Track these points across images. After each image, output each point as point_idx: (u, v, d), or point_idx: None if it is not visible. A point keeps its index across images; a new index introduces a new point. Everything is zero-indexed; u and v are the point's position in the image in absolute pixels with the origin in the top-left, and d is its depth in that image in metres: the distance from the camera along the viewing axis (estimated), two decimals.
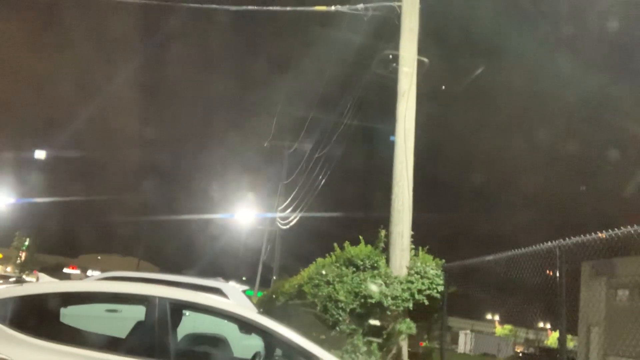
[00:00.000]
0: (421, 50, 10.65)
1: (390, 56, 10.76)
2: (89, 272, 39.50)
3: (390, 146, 10.28)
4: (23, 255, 61.18)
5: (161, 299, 3.84)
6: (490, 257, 7.90)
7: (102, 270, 10.59)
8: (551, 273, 6.14)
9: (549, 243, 6.19)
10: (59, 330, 4.20)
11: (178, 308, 4.03)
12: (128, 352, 3.61)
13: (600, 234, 5.55)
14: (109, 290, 4.39)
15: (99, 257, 69.80)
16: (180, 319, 4.26)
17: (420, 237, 9.99)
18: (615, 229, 5.38)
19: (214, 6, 11.58)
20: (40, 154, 27.05)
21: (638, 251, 5.61)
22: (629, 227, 5.24)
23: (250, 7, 11.66)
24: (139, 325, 3.86)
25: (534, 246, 6.64)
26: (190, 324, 5.89)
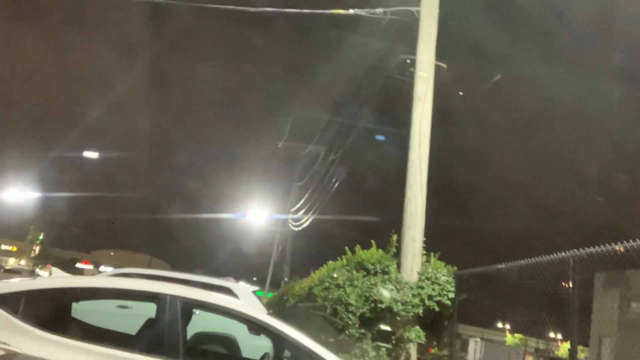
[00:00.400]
0: (439, 56, 10.62)
1: (408, 60, 10.75)
2: (102, 268, 39.79)
3: (405, 150, 10.25)
4: (37, 249, 61.86)
5: (172, 297, 3.86)
6: (502, 266, 7.84)
7: (115, 266, 10.67)
8: (565, 284, 6.07)
9: (563, 253, 6.13)
10: (69, 324, 4.24)
11: (189, 307, 4.04)
12: (138, 349, 3.63)
13: (616, 246, 5.49)
14: (121, 287, 4.42)
15: (112, 253, 70.34)
16: (190, 318, 4.29)
17: (432, 243, 9.96)
18: (631, 240, 5.31)
19: (232, 7, 11.62)
20: (91, 154, 27.08)
21: None
22: None
23: (268, 9, 11.70)
24: (149, 322, 3.89)
25: (546, 255, 6.58)
26: (200, 322, 5.92)
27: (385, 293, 8.89)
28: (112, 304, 6.59)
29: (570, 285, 5.86)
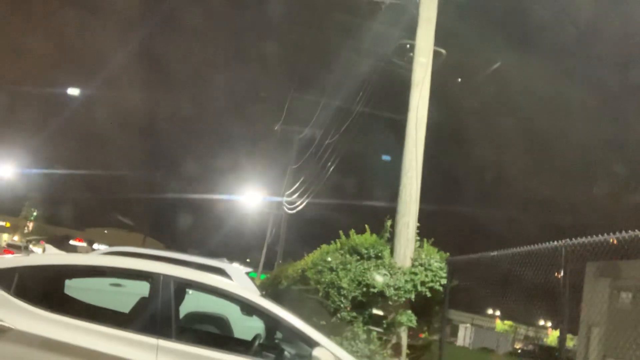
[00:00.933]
0: (438, 41, 10.57)
1: (408, 45, 10.69)
2: (95, 245, 39.82)
3: (402, 136, 10.24)
4: (31, 225, 61.74)
5: (166, 276, 3.87)
6: (494, 253, 7.89)
7: (109, 244, 10.68)
8: (557, 273, 6.12)
9: (555, 242, 6.17)
10: (62, 301, 4.25)
11: (182, 286, 4.06)
12: (131, 328, 3.64)
13: (609, 237, 5.52)
14: (115, 265, 4.43)
15: (106, 231, 70.27)
16: (183, 297, 4.30)
17: (426, 230, 10.00)
18: (623, 231, 5.34)
19: None
20: (73, 91, 26.59)
21: None
22: (636, 230, 5.20)
23: None
24: (142, 301, 3.90)
25: (539, 244, 6.62)
26: (194, 302, 5.95)
27: (379, 278, 8.94)
28: (105, 281, 6.61)
29: (561, 274, 5.90)
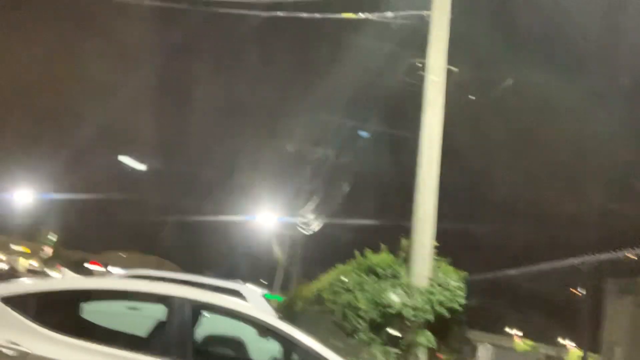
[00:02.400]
0: (450, 59, 10.57)
1: (419, 64, 10.70)
2: (109, 268, 40.00)
3: (416, 155, 10.21)
4: (50, 250, 62.22)
5: (182, 299, 3.87)
6: (512, 271, 7.80)
7: (124, 267, 10.72)
8: (576, 291, 6.02)
9: (574, 259, 6.08)
10: (79, 325, 4.26)
11: (198, 309, 4.05)
12: (148, 351, 3.63)
13: (628, 253, 5.44)
14: (131, 289, 4.43)
15: (124, 255, 70.62)
16: (199, 320, 4.29)
17: (444, 249, 9.90)
18: None
19: (240, 11, 11.67)
20: (138, 165, 26.94)
21: None
22: None
23: (276, 13, 11.73)
24: (159, 324, 3.89)
25: (557, 261, 6.53)
26: (210, 325, 5.93)
27: (396, 298, 8.86)
28: (122, 305, 6.62)
29: (582, 292, 5.81)
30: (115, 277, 7.57)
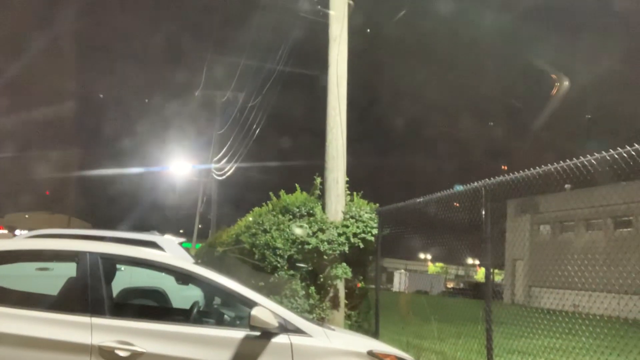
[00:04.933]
0: None
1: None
2: (17, 232, 37.97)
3: (324, 93, 10.25)
4: None
5: (92, 253, 3.76)
6: (420, 199, 8.16)
7: (31, 229, 10.20)
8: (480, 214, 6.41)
9: (475, 183, 6.45)
10: None
11: (110, 262, 3.96)
12: (60, 309, 3.54)
13: (524, 174, 5.81)
14: (37, 248, 4.26)
15: (27, 216, 67.01)
16: (114, 274, 4.20)
17: (356, 182, 10.18)
18: (537, 167, 5.64)
19: None
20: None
21: (557, 188, 5.93)
22: (549, 165, 5.51)
23: None
24: (70, 281, 3.78)
25: (462, 186, 6.90)
26: (127, 278, 5.84)
27: (298, 231, 9.11)
28: (31, 267, 6.35)
29: (483, 213, 6.20)
30: (19, 239, 7.19)
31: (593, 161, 4.94)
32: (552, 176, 5.51)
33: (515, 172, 5.94)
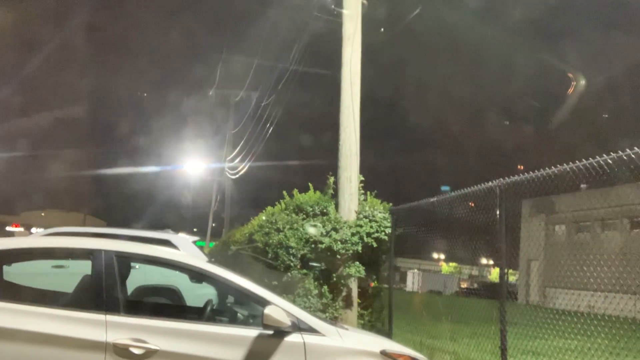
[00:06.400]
0: None
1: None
2: (33, 230, 38.40)
3: (337, 91, 10.24)
4: None
5: (107, 252, 3.80)
6: (434, 199, 8.13)
7: (47, 227, 10.32)
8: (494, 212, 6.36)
9: (489, 183, 6.40)
10: (2, 288, 4.12)
11: (125, 260, 4.00)
12: (75, 306, 3.58)
13: (539, 173, 5.76)
14: (53, 246, 4.30)
15: (43, 214, 67.73)
16: (128, 271, 4.24)
17: (370, 181, 10.16)
18: (553, 167, 5.58)
19: None
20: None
21: (572, 188, 5.87)
22: (564, 164, 5.45)
23: None
24: (85, 279, 3.82)
25: (474, 186, 6.86)
26: (142, 276, 5.88)
27: (311, 230, 9.11)
28: (47, 264, 6.43)
29: (498, 213, 6.16)
30: (35, 236, 7.28)
31: (609, 161, 4.88)
32: (568, 176, 5.46)
33: (530, 172, 5.89)
